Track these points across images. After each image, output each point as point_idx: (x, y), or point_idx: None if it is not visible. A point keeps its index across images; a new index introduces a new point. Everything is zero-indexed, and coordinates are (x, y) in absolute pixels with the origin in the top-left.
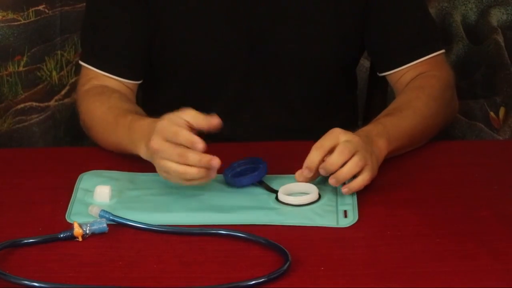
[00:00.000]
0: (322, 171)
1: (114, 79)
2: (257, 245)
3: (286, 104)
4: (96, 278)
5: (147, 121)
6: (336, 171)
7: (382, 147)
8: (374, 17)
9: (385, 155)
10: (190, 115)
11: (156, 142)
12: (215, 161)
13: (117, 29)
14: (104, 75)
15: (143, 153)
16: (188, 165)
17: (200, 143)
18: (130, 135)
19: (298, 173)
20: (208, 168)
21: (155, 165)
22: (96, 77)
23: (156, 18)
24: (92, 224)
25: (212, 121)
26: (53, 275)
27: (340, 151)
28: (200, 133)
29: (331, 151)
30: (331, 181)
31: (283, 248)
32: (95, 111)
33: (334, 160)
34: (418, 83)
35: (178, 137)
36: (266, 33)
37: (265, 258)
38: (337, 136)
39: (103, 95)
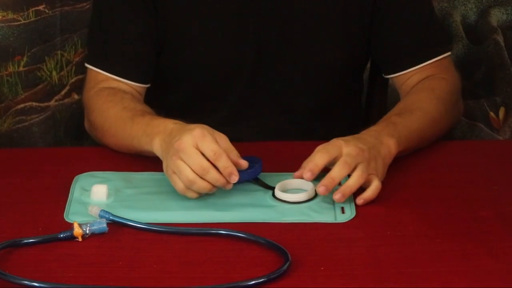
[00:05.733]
0: (322, 189)
1: (124, 82)
2: (257, 245)
3: (292, 109)
4: (96, 278)
5: (171, 121)
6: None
7: (392, 147)
8: (381, 19)
9: (394, 155)
10: (226, 143)
11: (186, 143)
12: (229, 186)
13: (127, 32)
14: (114, 78)
15: (156, 147)
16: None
17: (236, 177)
18: (147, 130)
19: (297, 173)
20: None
21: (167, 161)
22: (105, 80)
23: (164, 23)
24: (92, 224)
25: (240, 162)
26: (53, 275)
27: (340, 168)
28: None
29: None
30: (337, 196)
31: (283, 248)
32: (108, 111)
33: (334, 174)
34: (428, 85)
35: (219, 159)
36: (273, 39)
37: (265, 258)
38: (340, 147)
39: (116, 96)
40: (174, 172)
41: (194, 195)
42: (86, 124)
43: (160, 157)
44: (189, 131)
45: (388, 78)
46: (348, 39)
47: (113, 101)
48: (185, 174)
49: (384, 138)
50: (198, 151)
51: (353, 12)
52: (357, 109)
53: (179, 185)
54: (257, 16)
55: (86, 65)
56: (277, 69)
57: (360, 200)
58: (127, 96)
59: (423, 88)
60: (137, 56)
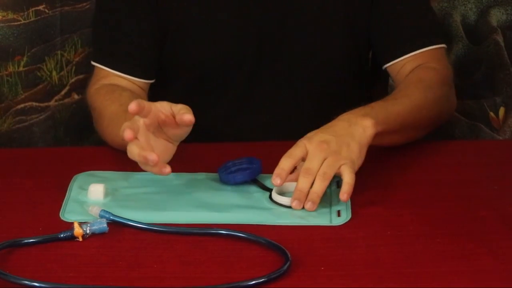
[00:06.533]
0: (295, 203)
1: (126, 78)
2: (257, 245)
3: (293, 105)
4: (96, 278)
5: None
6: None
7: (367, 125)
8: (378, 9)
9: (372, 134)
10: (165, 106)
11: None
12: (128, 134)
13: (129, 28)
14: (115, 74)
15: None
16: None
17: (152, 156)
18: None
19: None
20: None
21: None
22: (106, 76)
23: (166, 17)
24: (92, 224)
25: (183, 117)
26: (53, 275)
27: (303, 180)
28: (202, 130)
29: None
30: (307, 205)
31: (283, 248)
32: (106, 110)
33: (301, 186)
34: (417, 75)
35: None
36: (275, 33)
37: (265, 258)
38: (304, 146)
39: (114, 93)
40: None
41: (149, 168)
42: (94, 122)
43: None
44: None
45: (388, 76)
46: (350, 29)
47: (111, 99)
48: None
49: (358, 119)
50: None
51: (355, 6)
52: (359, 105)
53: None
54: (259, 7)
55: (92, 62)
56: (279, 61)
57: (343, 196)
58: (125, 94)
59: (412, 79)
60: (140, 52)
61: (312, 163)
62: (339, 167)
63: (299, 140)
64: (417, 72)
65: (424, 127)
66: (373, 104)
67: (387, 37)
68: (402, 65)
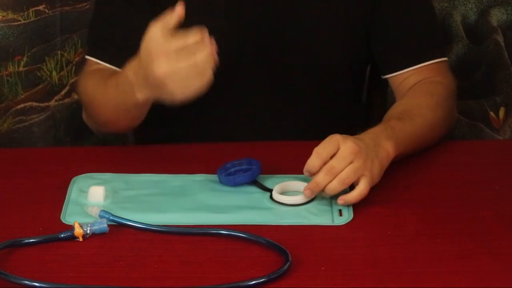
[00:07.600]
0: (307, 192)
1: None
2: (257, 245)
3: (292, 107)
4: (97, 278)
5: (130, 66)
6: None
7: (389, 150)
8: (381, 18)
9: (392, 158)
10: (162, 23)
11: (161, 66)
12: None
13: (126, 26)
14: (110, 68)
15: (143, 92)
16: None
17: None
18: (120, 86)
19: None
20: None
21: (165, 91)
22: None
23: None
24: (92, 224)
25: (177, 11)
26: (53, 275)
27: (323, 176)
28: (201, 131)
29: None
30: (306, 192)
31: (284, 248)
32: (87, 86)
33: (319, 180)
34: (426, 89)
35: (188, 42)
36: (274, 37)
37: (265, 258)
38: (337, 143)
39: (97, 74)
40: (183, 85)
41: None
42: (84, 115)
43: (143, 84)
44: (146, 62)
45: (387, 83)
46: (350, 34)
47: (93, 78)
48: (185, 69)
49: (382, 141)
50: (171, 54)
51: (355, 7)
52: (356, 111)
53: (194, 85)
54: (258, 10)
55: (86, 57)
56: (278, 64)
57: (340, 200)
58: (107, 72)
59: (421, 92)
60: (137, 48)
61: (340, 163)
62: (360, 176)
63: (332, 137)
64: (425, 86)
65: (433, 143)
66: (393, 122)
67: (391, 48)
68: (405, 77)
